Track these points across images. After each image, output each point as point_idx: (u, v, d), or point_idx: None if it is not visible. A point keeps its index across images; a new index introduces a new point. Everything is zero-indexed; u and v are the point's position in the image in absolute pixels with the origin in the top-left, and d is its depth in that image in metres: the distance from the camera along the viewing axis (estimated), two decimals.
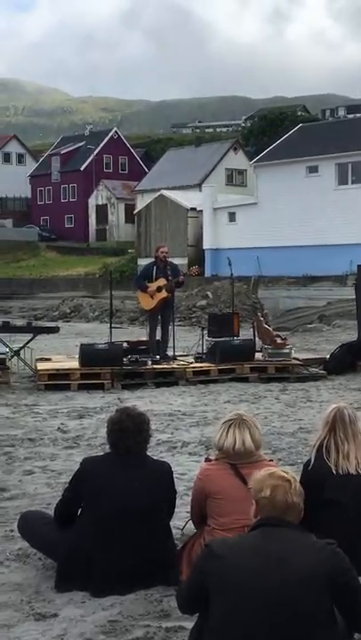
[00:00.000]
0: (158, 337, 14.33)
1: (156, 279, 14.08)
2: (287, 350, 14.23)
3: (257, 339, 14.60)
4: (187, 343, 15.83)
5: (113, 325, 15.09)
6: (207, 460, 4.95)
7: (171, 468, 4.87)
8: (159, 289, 14.03)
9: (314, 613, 3.18)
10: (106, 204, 70.61)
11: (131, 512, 4.49)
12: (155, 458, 5.08)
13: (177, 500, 4.96)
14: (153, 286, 14.04)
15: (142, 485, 4.58)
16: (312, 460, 4.84)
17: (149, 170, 69.40)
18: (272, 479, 3.46)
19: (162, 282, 14.02)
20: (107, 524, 4.48)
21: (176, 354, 14.20)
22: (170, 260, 14.58)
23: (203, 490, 4.70)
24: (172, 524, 4.88)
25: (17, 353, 14.00)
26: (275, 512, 3.39)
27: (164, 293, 14.05)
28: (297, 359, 14.50)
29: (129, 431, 4.67)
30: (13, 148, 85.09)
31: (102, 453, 5.09)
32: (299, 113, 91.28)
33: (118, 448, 4.70)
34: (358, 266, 17.16)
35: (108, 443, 4.81)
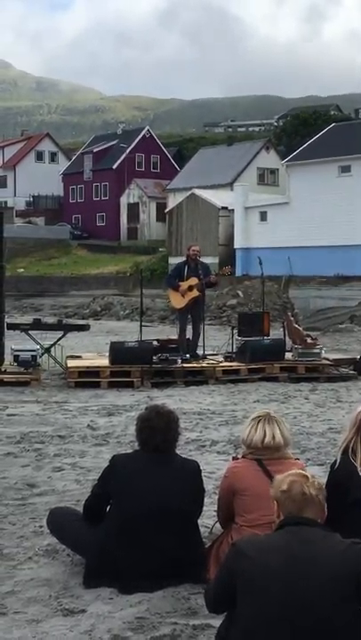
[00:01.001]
0: (188, 336, 14.34)
1: (187, 278, 14.09)
2: (317, 350, 14.19)
3: (287, 338, 14.57)
4: (217, 342, 15.83)
5: (143, 324, 15.12)
6: (234, 458, 4.96)
7: (199, 466, 4.88)
8: (190, 288, 14.03)
9: (340, 614, 3.17)
10: (137, 203, 70.72)
11: (159, 510, 4.51)
12: (183, 456, 5.09)
13: (205, 499, 4.97)
14: (184, 285, 14.06)
15: (171, 483, 4.59)
16: (338, 460, 4.83)
17: (181, 169, 69.41)
18: (290, 476, 3.50)
19: (193, 281, 14.02)
20: (135, 521, 4.49)
21: (206, 353, 14.21)
22: (201, 259, 14.58)
23: (230, 487, 4.71)
24: (200, 522, 4.89)
25: (48, 350, 14.08)
26: (293, 506, 3.39)
27: (195, 292, 14.06)
28: (327, 359, 14.45)
29: (158, 429, 4.68)
30: (46, 146, 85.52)
31: (131, 451, 5.11)
32: (332, 112, 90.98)
33: (147, 446, 4.72)
34: None
35: (138, 440, 4.82)
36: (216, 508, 5.02)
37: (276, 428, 4.75)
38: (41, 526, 5.63)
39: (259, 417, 4.82)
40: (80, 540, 4.84)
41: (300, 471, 3.61)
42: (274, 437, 4.70)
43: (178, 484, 4.61)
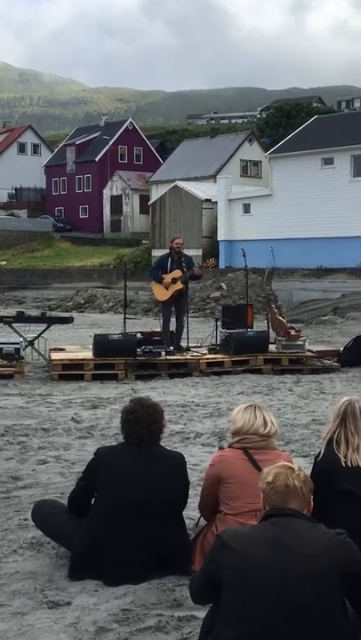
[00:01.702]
0: (172, 328, 14.34)
1: (170, 271, 14.07)
2: (301, 342, 14.22)
3: (271, 330, 14.59)
4: (200, 334, 15.84)
5: (127, 316, 15.11)
6: (220, 448, 4.97)
7: (184, 458, 4.88)
8: (174, 280, 14.02)
9: (325, 604, 3.19)
10: (120, 195, 70.57)
11: (144, 502, 4.51)
12: (168, 449, 5.09)
13: (190, 491, 4.98)
14: (168, 277, 14.04)
15: (156, 476, 4.60)
16: (322, 451, 4.85)
17: (164, 161, 69.29)
18: (276, 468, 3.53)
19: (177, 273, 14.01)
20: (120, 513, 4.50)
21: (190, 345, 14.21)
22: (184, 251, 14.57)
23: (216, 476, 4.71)
24: (185, 514, 4.90)
25: (31, 343, 14.05)
26: (277, 498, 3.41)
27: (178, 285, 14.05)
28: (311, 351, 14.49)
29: (143, 421, 4.69)
30: (28, 138, 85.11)
31: (116, 443, 5.11)
32: (314, 104, 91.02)
33: (132, 438, 4.72)
34: None
35: (122, 433, 4.83)
36: (199, 501, 5.02)
37: (271, 415, 4.80)
38: (25, 519, 5.62)
39: (249, 405, 4.85)
40: (65, 532, 4.84)
41: (287, 463, 3.63)
42: (273, 424, 4.75)
43: (163, 477, 4.62)
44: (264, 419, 4.74)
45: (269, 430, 4.72)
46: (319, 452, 4.85)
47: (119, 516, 4.50)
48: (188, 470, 4.97)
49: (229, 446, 4.82)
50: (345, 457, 4.69)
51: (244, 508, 4.50)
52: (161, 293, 14.25)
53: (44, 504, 5.30)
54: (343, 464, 4.66)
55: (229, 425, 4.91)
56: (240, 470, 4.61)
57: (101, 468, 4.67)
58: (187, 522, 4.96)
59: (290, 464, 3.60)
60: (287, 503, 3.40)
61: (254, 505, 3.95)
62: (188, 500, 4.95)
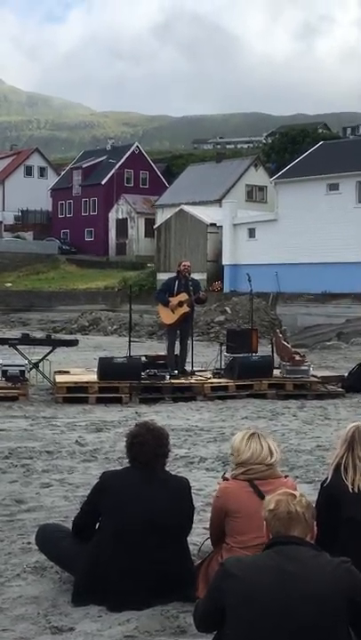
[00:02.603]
0: (177, 352, 14.33)
1: (177, 294, 14.06)
2: (305, 367, 14.21)
3: (275, 355, 14.58)
4: (205, 358, 15.83)
5: (131, 339, 15.11)
6: (224, 478, 4.94)
7: (189, 483, 4.86)
8: (180, 304, 14.00)
9: (329, 633, 3.17)
10: (126, 219, 70.81)
11: (149, 527, 4.49)
12: (173, 473, 5.07)
13: (194, 516, 4.96)
14: (175, 301, 14.03)
15: (161, 501, 4.58)
16: (329, 478, 4.83)
17: (170, 185, 69.58)
18: (277, 495, 3.51)
19: (183, 297, 14.00)
20: (125, 538, 4.48)
21: (194, 369, 14.20)
22: (191, 275, 14.58)
23: (222, 508, 4.68)
24: (189, 539, 4.88)
25: (36, 365, 14.05)
26: (280, 525, 3.39)
27: (185, 308, 14.04)
28: (315, 376, 14.47)
29: (148, 445, 4.68)
30: (35, 161, 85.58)
31: (121, 467, 5.10)
32: (320, 130, 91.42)
33: (137, 462, 4.71)
34: None
35: (128, 457, 4.82)
36: (206, 526, 5.00)
37: (269, 442, 4.75)
38: (29, 543, 5.60)
39: (247, 433, 4.79)
40: (69, 557, 4.82)
41: (288, 490, 3.60)
42: (277, 451, 4.71)
43: (168, 501, 4.60)
44: (270, 448, 4.69)
45: (275, 459, 4.69)
46: (326, 479, 4.83)
47: (124, 542, 4.48)
48: (193, 495, 4.95)
49: (234, 477, 4.76)
50: (352, 483, 4.67)
51: (252, 542, 4.44)
52: (168, 317, 14.25)
53: (48, 528, 5.28)
54: (351, 490, 4.64)
55: (232, 455, 4.85)
56: (246, 503, 4.57)
57: (106, 492, 4.65)
58: (190, 547, 4.94)
59: (291, 491, 3.59)
60: (290, 530, 3.38)
61: (261, 539, 3.92)
62: (193, 526, 4.93)
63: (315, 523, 3.49)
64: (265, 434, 4.87)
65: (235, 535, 4.61)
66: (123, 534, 4.49)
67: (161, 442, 4.73)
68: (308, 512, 3.43)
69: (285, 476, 4.92)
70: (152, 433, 4.75)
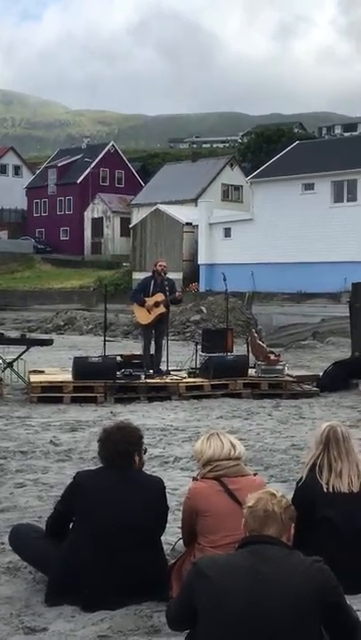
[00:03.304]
0: (152, 351, 14.32)
1: (153, 294, 14.02)
2: (280, 367, 14.24)
3: (250, 355, 14.61)
4: (180, 358, 15.83)
5: (107, 339, 15.08)
6: (194, 479, 4.94)
7: (163, 483, 4.86)
8: (157, 304, 13.96)
9: (302, 633, 3.18)
10: (101, 218, 70.70)
11: (123, 528, 4.48)
12: (148, 473, 5.07)
13: (168, 516, 4.95)
14: (151, 301, 13.99)
15: (135, 501, 4.57)
16: (304, 477, 4.85)
17: (146, 184, 69.56)
18: (259, 493, 3.53)
19: (160, 297, 13.96)
20: (99, 539, 4.46)
21: (169, 368, 14.20)
22: (167, 275, 14.56)
23: (192, 509, 4.68)
24: (163, 539, 4.87)
25: (10, 365, 13.99)
26: (255, 523, 3.40)
27: (161, 308, 14.01)
28: (290, 376, 14.51)
29: (118, 444, 4.67)
30: (10, 159, 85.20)
31: (95, 467, 5.08)
32: (295, 130, 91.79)
33: (109, 461, 4.70)
34: (353, 283, 17.23)
35: (100, 457, 4.81)
36: (180, 525, 5.00)
37: (232, 438, 4.80)
38: (2, 543, 5.57)
39: (210, 433, 4.86)
40: (42, 557, 4.80)
41: (270, 489, 3.62)
42: (235, 446, 4.74)
43: (141, 502, 4.59)
44: (231, 443, 4.74)
45: (239, 452, 4.72)
46: (301, 478, 4.85)
47: (97, 542, 4.46)
48: (167, 495, 4.94)
49: (202, 477, 4.77)
50: (327, 483, 4.70)
51: (222, 541, 4.45)
52: (143, 317, 14.21)
53: (21, 528, 5.26)
54: (325, 490, 4.67)
55: (197, 460, 4.88)
56: (216, 502, 4.58)
57: (80, 492, 4.63)
58: (164, 547, 4.93)
59: (273, 490, 3.60)
60: (265, 529, 3.39)
61: (232, 537, 3.92)
62: (167, 526, 4.92)
63: (292, 525, 3.50)
64: (223, 432, 4.92)
65: (205, 534, 4.61)
66: (96, 535, 4.47)
67: (131, 440, 4.72)
68: (285, 513, 3.44)
69: (254, 474, 4.93)
70: (122, 432, 4.74)
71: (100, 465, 4.84)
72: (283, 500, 3.47)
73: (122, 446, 4.68)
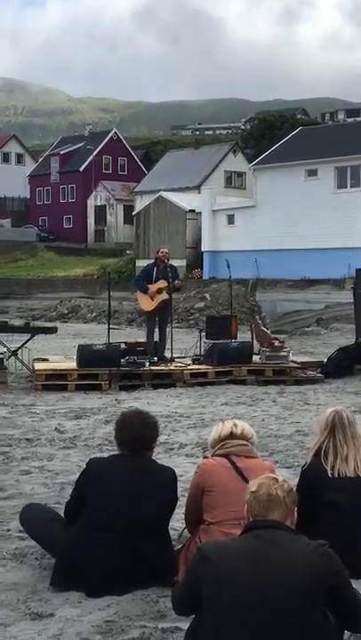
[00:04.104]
0: (156, 338, 14.33)
1: (155, 281, 14.06)
2: (285, 353, 14.25)
3: (255, 341, 14.61)
4: (184, 345, 15.83)
5: (111, 326, 15.09)
6: (204, 457, 5.00)
7: (175, 473, 4.86)
8: (160, 291, 14.00)
9: (308, 617, 3.19)
10: (105, 205, 70.59)
11: (132, 516, 4.49)
12: (160, 463, 5.04)
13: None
14: (154, 288, 14.02)
15: (145, 490, 4.58)
16: (309, 462, 4.86)
17: (148, 171, 69.41)
18: (260, 478, 3.52)
19: (162, 284, 14.00)
20: (107, 526, 4.47)
21: (174, 356, 14.21)
22: (169, 262, 14.56)
23: (198, 484, 4.73)
24: (170, 525, 4.89)
25: (14, 353, 14.00)
26: (259, 508, 3.40)
27: (164, 295, 14.05)
28: (295, 362, 14.52)
29: (135, 430, 4.68)
30: (12, 147, 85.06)
31: (103, 454, 5.09)
32: (298, 116, 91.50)
33: (123, 447, 4.72)
34: (356, 269, 17.20)
35: (116, 440, 4.84)
36: (184, 512, 5.01)
37: (241, 422, 4.93)
38: (8, 530, 5.60)
39: (223, 420, 5.00)
40: (51, 538, 4.83)
41: (272, 474, 3.64)
42: (243, 426, 4.84)
43: (152, 491, 4.59)
44: (233, 422, 4.87)
45: (242, 429, 4.80)
46: (305, 463, 4.86)
47: (106, 529, 4.47)
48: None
49: (213, 455, 4.84)
50: (333, 468, 4.71)
51: (227, 516, 4.48)
52: (147, 304, 14.24)
53: (33, 507, 5.30)
54: (330, 475, 4.67)
55: (211, 448, 4.96)
56: (223, 478, 4.62)
57: (91, 479, 4.66)
58: (171, 533, 4.95)
59: (274, 475, 3.61)
60: (269, 513, 3.39)
61: (236, 513, 3.94)
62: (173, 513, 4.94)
63: (295, 508, 3.51)
64: (235, 419, 5.01)
65: (210, 510, 4.65)
66: (105, 522, 4.48)
67: (147, 430, 4.73)
68: (288, 497, 3.44)
69: (265, 461, 4.95)
70: (139, 418, 4.76)
71: (112, 453, 4.86)
72: (285, 484, 3.48)
73: (140, 434, 4.69)
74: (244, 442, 4.77)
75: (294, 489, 3.54)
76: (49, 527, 4.87)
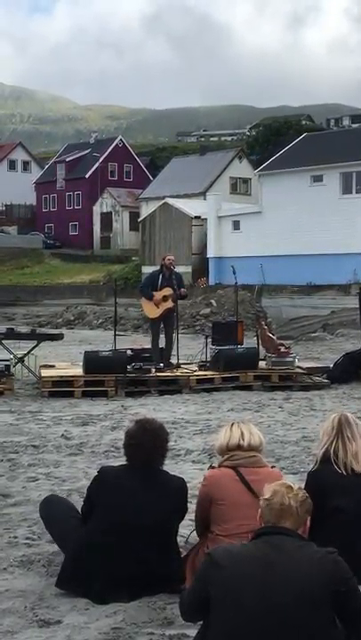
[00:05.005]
0: (162, 345, 14.33)
1: (161, 288, 14.07)
2: (291, 359, 14.23)
3: (260, 347, 14.60)
4: (190, 351, 15.83)
5: (117, 333, 15.09)
6: (211, 467, 4.97)
7: (185, 484, 4.83)
8: (165, 298, 14.02)
9: (316, 623, 3.18)
10: (110, 212, 70.73)
11: (140, 526, 4.48)
12: (171, 473, 5.00)
13: None
14: (159, 295, 14.04)
15: (154, 501, 4.56)
16: (316, 467, 4.87)
17: (154, 178, 69.54)
18: (275, 485, 3.52)
19: (167, 291, 14.01)
20: (115, 535, 4.47)
21: (180, 362, 14.21)
22: (175, 268, 14.57)
23: (207, 496, 4.70)
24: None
25: (21, 360, 14.02)
26: (271, 515, 3.40)
27: (169, 303, 14.05)
28: (301, 368, 14.50)
29: (144, 446, 4.65)
30: (19, 155, 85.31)
31: (115, 462, 5.06)
32: (303, 122, 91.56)
33: (132, 462, 4.71)
34: None
35: (125, 455, 4.83)
36: (193, 518, 5.01)
37: (253, 428, 4.82)
38: (15, 537, 5.60)
39: (232, 422, 4.90)
40: (63, 535, 4.87)
41: (287, 482, 3.62)
42: (252, 434, 4.75)
43: (161, 503, 4.57)
44: (242, 431, 4.76)
45: (249, 441, 4.71)
46: (312, 468, 4.86)
47: (113, 538, 4.47)
48: None
49: (220, 465, 4.80)
50: (344, 465, 4.72)
51: (236, 530, 4.46)
52: (151, 311, 14.26)
53: (53, 500, 5.34)
54: (342, 472, 4.68)
55: (218, 453, 4.92)
56: (232, 491, 4.60)
57: (101, 487, 4.66)
58: (178, 539, 4.94)
59: (290, 483, 3.60)
60: (280, 521, 3.39)
61: (246, 527, 3.93)
62: None
63: (308, 518, 3.49)
64: (247, 422, 4.93)
65: (219, 523, 4.63)
66: (112, 531, 4.48)
67: (157, 442, 4.70)
68: (301, 507, 3.43)
69: (272, 467, 4.94)
70: (148, 433, 4.70)
71: (118, 459, 4.85)
72: (299, 494, 3.47)
73: (149, 450, 4.66)
74: (253, 453, 4.72)
75: (309, 499, 3.52)
76: (63, 523, 4.91)
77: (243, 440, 4.72)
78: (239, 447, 4.71)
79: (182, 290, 14.39)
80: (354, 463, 4.74)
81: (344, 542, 4.07)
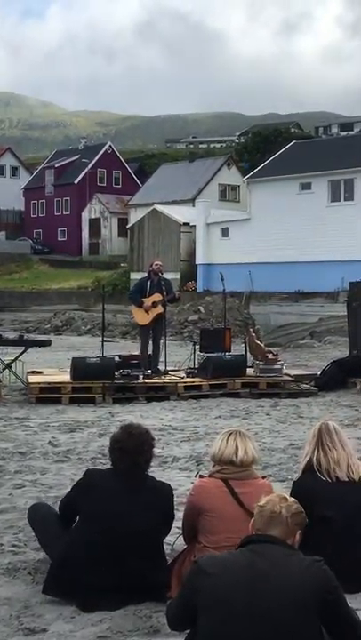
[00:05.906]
0: (150, 351, 14.32)
1: (150, 294, 14.06)
2: (278, 366, 14.24)
3: (248, 354, 14.61)
4: (178, 358, 15.83)
5: (105, 339, 15.08)
6: (200, 476, 4.94)
7: (172, 490, 4.82)
8: (154, 304, 14.00)
9: (302, 632, 3.18)
10: (99, 218, 70.71)
11: (127, 532, 4.46)
12: (157, 479, 4.97)
13: None
14: (148, 301, 14.03)
15: (140, 507, 4.55)
16: (300, 476, 4.88)
17: (143, 184, 69.56)
18: (273, 495, 3.55)
19: (157, 297, 14.00)
20: (100, 541, 4.45)
21: (168, 368, 14.20)
22: (163, 274, 14.57)
23: (195, 506, 4.68)
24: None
25: (8, 366, 13.99)
26: (261, 522, 3.41)
27: (159, 309, 14.04)
28: (288, 375, 14.51)
29: (129, 452, 4.63)
30: (7, 160, 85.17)
31: (106, 468, 5.04)
32: (292, 130, 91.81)
33: (117, 467, 4.69)
34: (350, 283, 17.24)
35: (110, 460, 4.81)
36: (179, 525, 4.99)
37: (248, 443, 4.73)
38: (1, 544, 5.58)
39: (230, 431, 4.82)
40: (50, 542, 4.85)
41: (282, 494, 3.62)
42: (246, 452, 4.66)
43: (147, 508, 4.56)
44: (237, 446, 4.67)
45: (242, 459, 4.64)
46: (296, 478, 4.86)
47: (98, 544, 4.45)
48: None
49: (210, 475, 4.77)
50: (328, 473, 4.72)
51: (224, 542, 4.41)
52: (142, 317, 14.23)
53: (40, 507, 5.30)
54: (328, 480, 4.69)
55: (212, 456, 4.87)
56: (220, 503, 4.57)
57: (87, 490, 4.65)
58: (164, 547, 4.93)
59: (285, 495, 3.59)
60: (269, 529, 3.39)
61: (234, 540, 3.92)
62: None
63: (299, 532, 3.47)
64: (246, 434, 4.85)
65: (206, 534, 4.61)
66: (98, 538, 4.46)
67: (142, 448, 4.67)
68: (293, 518, 3.43)
69: (263, 477, 4.92)
70: (133, 438, 4.69)
71: (107, 466, 4.84)
72: (293, 506, 3.46)
73: (133, 455, 4.64)
74: (244, 468, 4.66)
75: (303, 513, 3.51)
76: (50, 531, 4.89)
77: (236, 457, 4.64)
78: (231, 463, 4.65)
79: (177, 293, 14.39)
80: (337, 471, 4.75)
81: (335, 551, 4.07)
